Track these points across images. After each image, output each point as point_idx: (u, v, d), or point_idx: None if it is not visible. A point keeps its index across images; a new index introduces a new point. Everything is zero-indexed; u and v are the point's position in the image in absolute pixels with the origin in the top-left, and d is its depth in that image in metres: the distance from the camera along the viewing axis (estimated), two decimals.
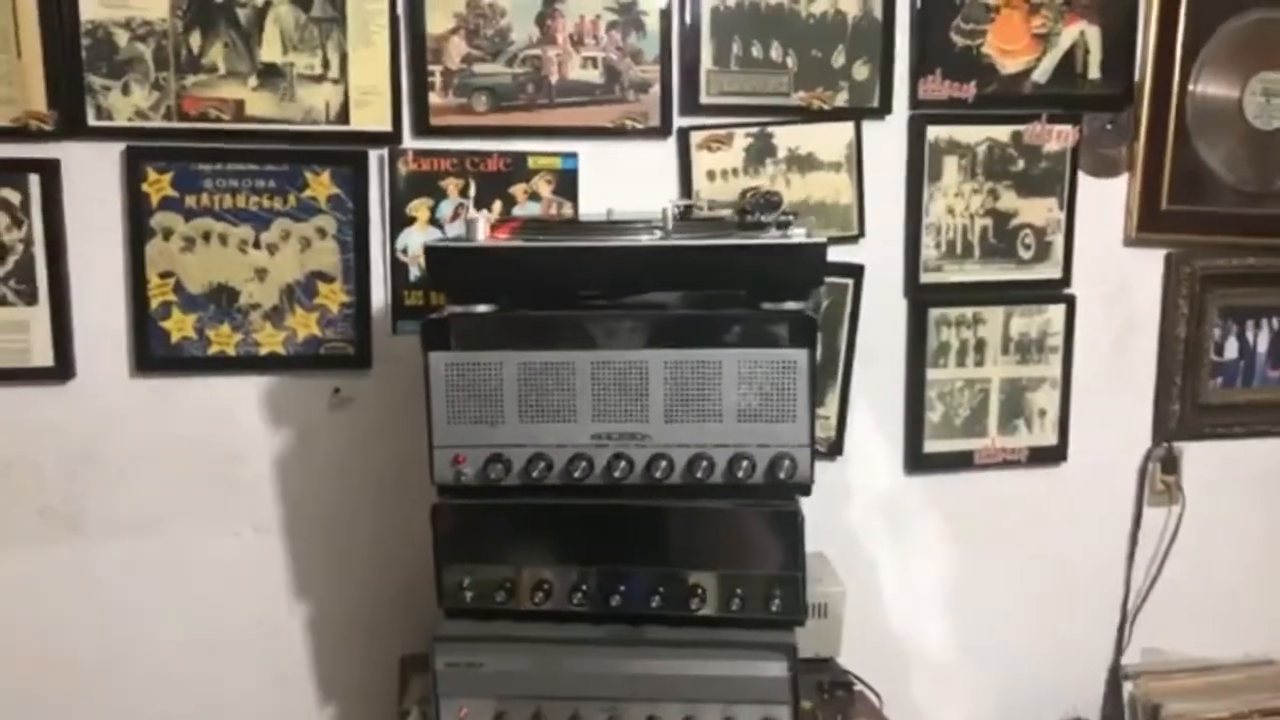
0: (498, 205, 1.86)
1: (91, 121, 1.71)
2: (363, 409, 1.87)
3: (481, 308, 1.42)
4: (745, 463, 1.40)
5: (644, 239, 1.38)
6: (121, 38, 1.70)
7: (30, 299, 1.73)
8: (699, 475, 1.41)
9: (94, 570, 1.83)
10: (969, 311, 2.04)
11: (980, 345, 2.06)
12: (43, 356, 1.75)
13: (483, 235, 1.44)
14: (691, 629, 1.48)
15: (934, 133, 1.97)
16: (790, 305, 1.37)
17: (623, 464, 1.42)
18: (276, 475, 1.87)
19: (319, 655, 1.92)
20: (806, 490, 1.44)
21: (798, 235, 1.39)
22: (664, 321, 1.41)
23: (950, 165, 1.99)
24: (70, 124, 1.70)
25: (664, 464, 1.41)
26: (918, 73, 1.95)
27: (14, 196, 1.70)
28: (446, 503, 1.48)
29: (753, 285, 1.37)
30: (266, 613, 1.89)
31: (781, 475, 1.40)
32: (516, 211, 1.87)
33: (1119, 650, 2.20)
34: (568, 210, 1.88)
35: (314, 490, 1.88)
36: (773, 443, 1.41)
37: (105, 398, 1.79)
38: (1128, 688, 2.18)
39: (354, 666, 1.92)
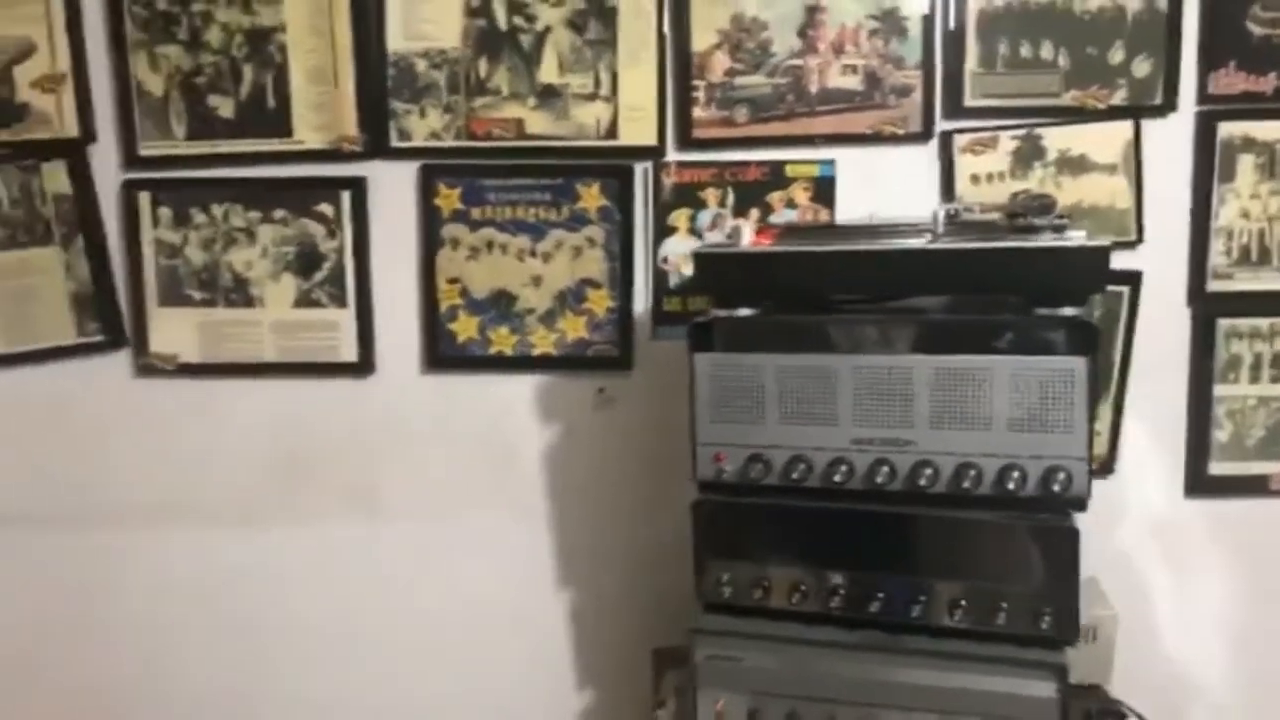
0: (755, 214, 1.90)
1: (394, 143, 1.90)
2: (624, 408, 1.97)
3: (745, 311, 1.45)
4: (1016, 474, 1.36)
5: (912, 242, 1.37)
6: (420, 66, 1.88)
7: (340, 302, 1.95)
8: (966, 485, 1.38)
9: (382, 548, 2.02)
10: (1264, 323, 1.88)
11: (1276, 360, 1.89)
12: (349, 353, 1.96)
13: (747, 241, 1.48)
14: (953, 640, 1.45)
15: (1226, 129, 1.83)
16: (1068, 311, 1.32)
17: (885, 469, 1.41)
18: (545, 468, 1.99)
19: (577, 642, 2.03)
20: (1082, 505, 1.37)
21: (1076, 238, 1.34)
22: (932, 326, 1.39)
23: (1245, 164, 1.84)
24: (376, 145, 1.90)
25: (929, 471, 1.39)
26: (1208, 66, 1.82)
27: (329, 211, 1.92)
28: (708, 499, 1.53)
29: (1029, 290, 1.33)
30: (530, 597, 2.02)
31: (1056, 489, 1.34)
32: (773, 219, 1.90)
33: None
34: (824, 216, 1.89)
35: (578, 483, 1.99)
36: (1046, 454, 1.36)
37: (399, 392, 1.98)
38: None
39: (609, 655, 2.02)
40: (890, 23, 1.84)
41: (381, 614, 2.03)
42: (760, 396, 1.46)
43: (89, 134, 1.92)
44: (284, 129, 1.90)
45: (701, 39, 1.86)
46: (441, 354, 1.96)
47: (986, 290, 1.37)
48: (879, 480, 1.41)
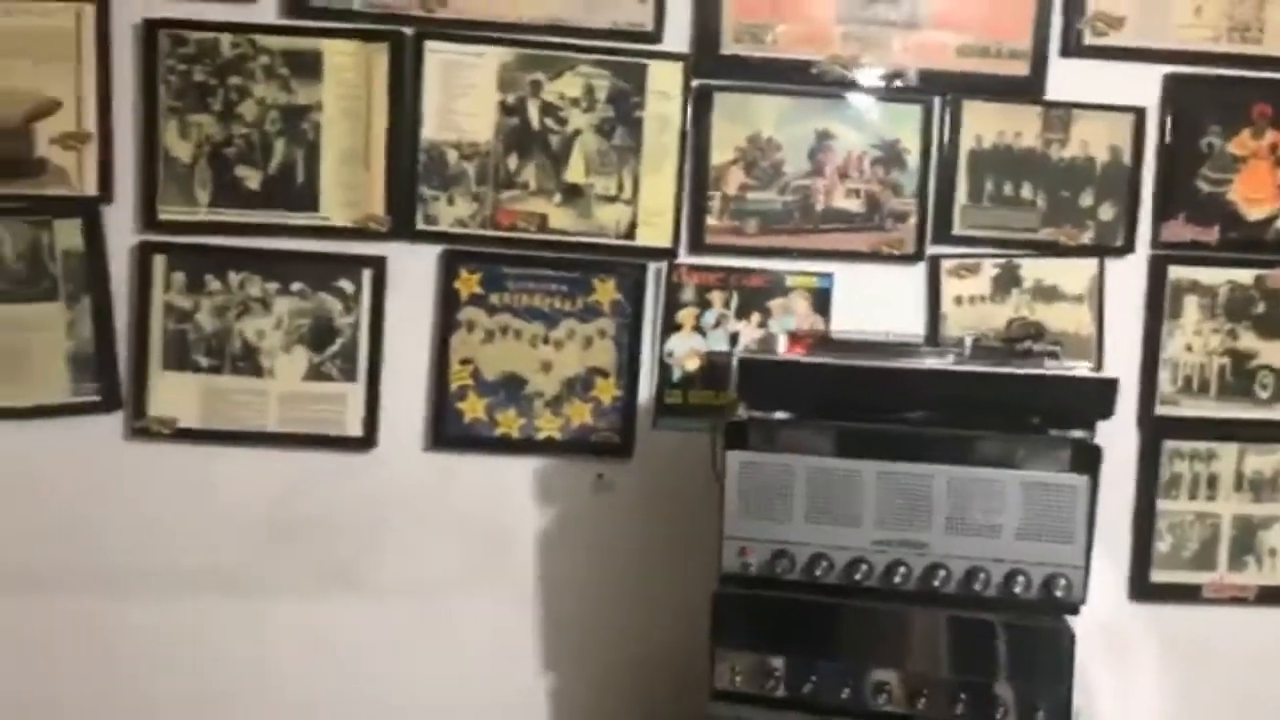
0: (755, 317, 2.03)
1: (419, 226, 1.96)
2: (622, 495, 2.03)
3: (780, 414, 1.56)
4: (1021, 578, 1.50)
5: (941, 363, 1.51)
6: (452, 156, 1.96)
7: (350, 376, 1.97)
8: (976, 587, 1.50)
9: (371, 623, 2.01)
10: (1204, 446, 2.09)
11: (1213, 480, 2.09)
12: (354, 427, 1.98)
13: (782, 349, 1.59)
14: None
15: (1176, 273, 2.06)
16: (1076, 433, 1.47)
17: (902, 570, 1.53)
18: (540, 550, 2.03)
19: None
20: (1077, 610, 1.51)
21: (1080, 367, 1.50)
22: (952, 439, 1.52)
23: (1191, 304, 2.07)
24: (400, 227, 1.95)
25: (942, 573, 1.52)
26: (1161, 215, 2.05)
27: (349, 287, 1.96)
28: (728, 591, 1.61)
29: (1045, 412, 1.48)
30: (519, 679, 2.04)
31: (1058, 594, 1.48)
32: (772, 325, 2.03)
33: None
34: (820, 326, 2.03)
35: (573, 568, 2.03)
36: (1048, 561, 1.50)
37: (400, 468, 2.00)
38: None
39: None
40: (891, 153, 2.01)
41: (365, 691, 2.01)
42: (789, 495, 1.56)
43: (107, 194, 1.91)
44: (311, 204, 1.94)
45: (720, 154, 1.99)
46: (447, 433, 1.99)
47: (1009, 410, 1.51)
48: (896, 580, 1.53)
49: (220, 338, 1.95)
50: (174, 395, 1.95)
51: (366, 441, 1.98)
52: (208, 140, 1.92)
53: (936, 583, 1.51)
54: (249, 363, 1.96)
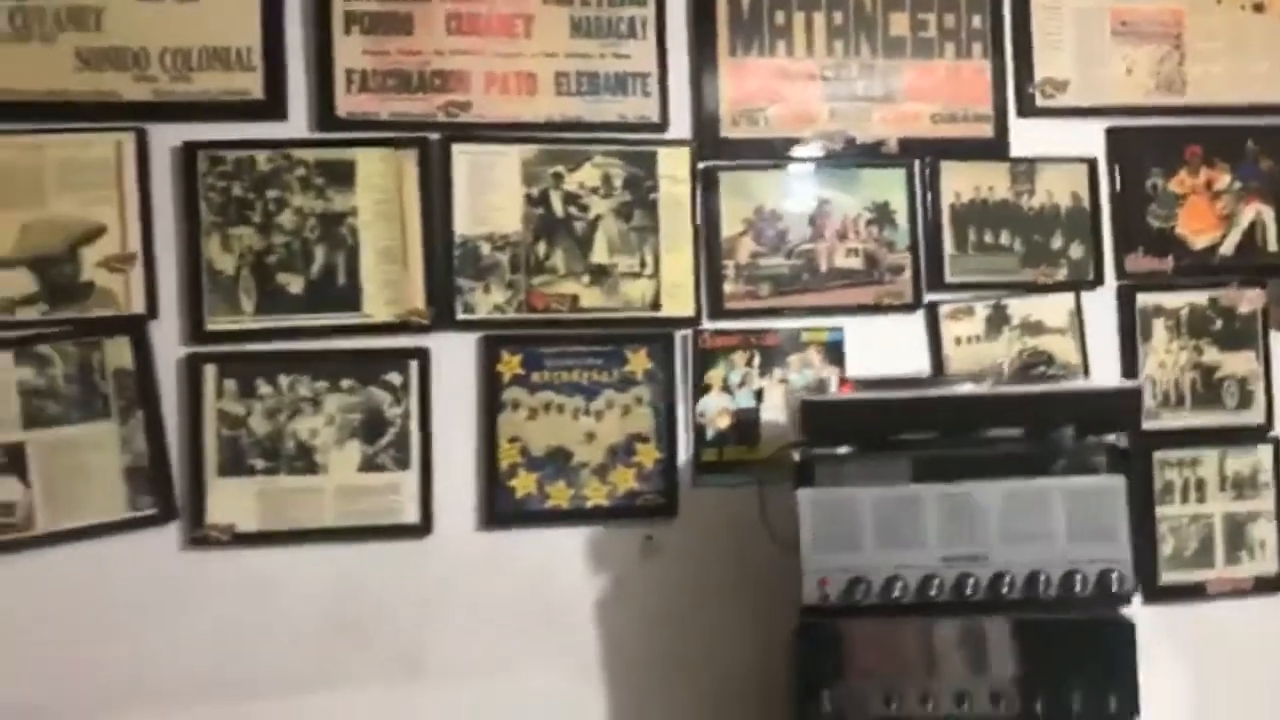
0: (777, 373, 2.17)
1: (459, 315, 2.06)
2: (670, 554, 2.12)
3: (842, 449, 1.69)
4: (1079, 577, 1.64)
5: (980, 388, 1.67)
6: (485, 248, 2.08)
7: (403, 465, 2.03)
8: (1040, 590, 1.64)
9: (435, 710, 2.03)
10: (1187, 454, 2.29)
11: (1200, 484, 2.30)
12: (410, 514, 2.03)
13: (834, 391, 1.74)
14: None
15: (1142, 300, 2.29)
16: (1110, 438, 1.64)
17: (971, 581, 1.65)
18: (595, 618, 2.10)
19: None
20: (1130, 600, 1.66)
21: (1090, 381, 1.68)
22: (1000, 457, 1.68)
23: (1158, 326, 2.30)
24: (441, 319, 2.05)
25: (1008, 580, 1.65)
26: (1122, 250, 2.29)
27: (396, 379, 2.04)
28: (813, 621, 1.71)
29: (1080, 423, 1.65)
30: None
31: (1113, 588, 1.63)
32: (793, 379, 2.17)
33: None
34: (835, 376, 2.18)
35: (628, 632, 2.10)
36: (1099, 558, 1.65)
37: (457, 550, 2.05)
38: None
39: None
40: (882, 214, 2.21)
41: None
42: (858, 525, 1.69)
43: (153, 310, 1.97)
44: (354, 304, 2.02)
45: (730, 226, 2.16)
46: (500, 511, 2.06)
47: (1048, 423, 1.67)
48: (966, 592, 1.65)
49: (274, 440, 2.00)
50: (230, 501, 1.98)
51: (423, 528, 2.04)
52: (250, 251, 2.00)
53: (1004, 589, 1.64)
54: (304, 461, 2.00)
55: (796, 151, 2.19)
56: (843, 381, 1.81)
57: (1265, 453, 2.31)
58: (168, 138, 1.99)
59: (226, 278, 2.00)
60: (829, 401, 1.72)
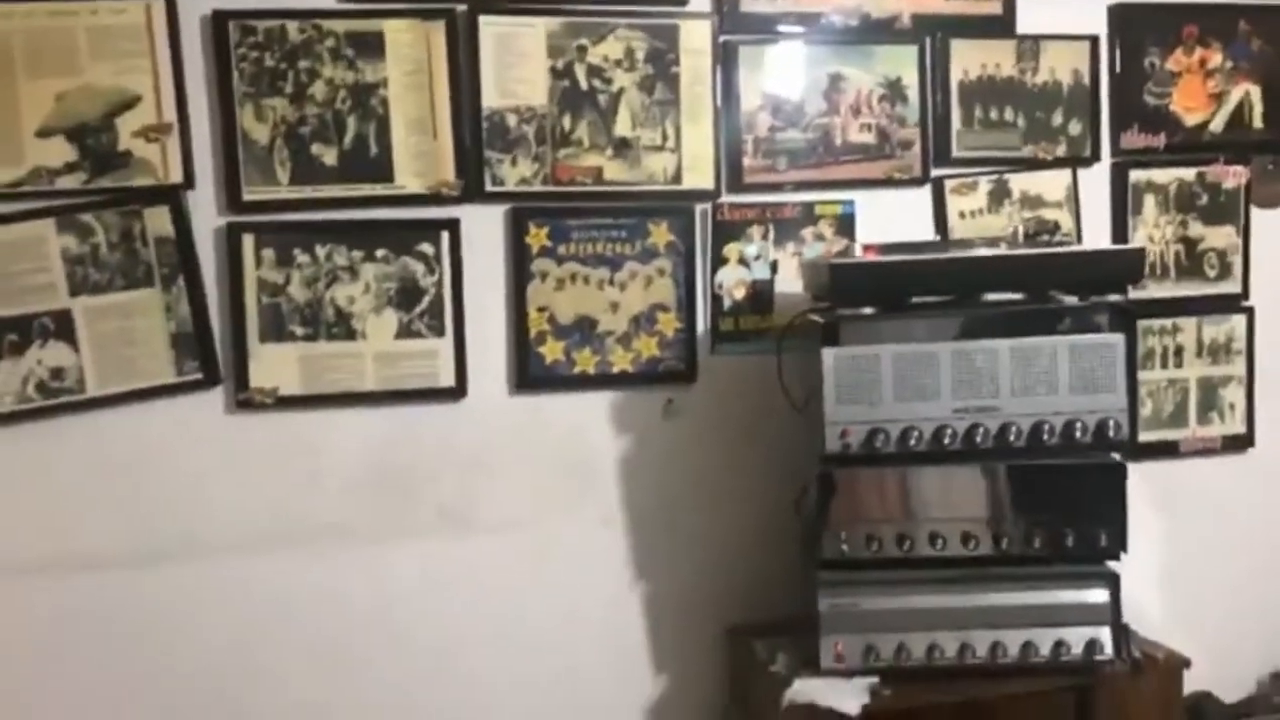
0: (790, 246, 2.27)
1: (488, 188, 2.12)
2: (689, 416, 2.25)
3: (866, 310, 1.81)
4: (1079, 425, 1.79)
5: (997, 251, 1.79)
6: (511, 120, 2.12)
7: (439, 332, 2.12)
8: (1044, 438, 1.79)
9: (475, 559, 2.17)
10: (1169, 322, 2.44)
11: (1179, 350, 2.46)
12: (447, 379, 2.13)
13: (859, 255, 1.84)
14: (1032, 566, 1.84)
15: (1135, 176, 2.41)
16: (1112, 297, 1.77)
17: (981, 431, 1.80)
18: (621, 474, 2.23)
19: (656, 628, 2.25)
20: (1125, 446, 1.82)
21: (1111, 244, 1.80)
22: (1009, 316, 1.80)
23: (1149, 201, 2.42)
24: (470, 190, 2.11)
25: (1014, 430, 1.79)
26: (1118, 128, 2.39)
27: (429, 249, 2.11)
28: (831, 470, 1.85)
29: (1086, 283, 1.77)
30: (613, 592, 2.23)
31: (1111, 435, 1.78)
32: (806, 251, 2.27)
33: None
34: (845, 247, 2.29)
35: (650, 486, 2.24)
36: (1099, 409, 1.79)
37: (490, 412, 2.16)
38: None
39: (686, 637, 2.26)
40: (894, 90, 2.28)
41: (475, 622, 2.17)
42: (878, 380, 1.81)
43: (190, 180, 2.01)
44: (386, 175, 2.07)
45: (748, 100, 2.22)
46: (531, 376, 2.17)
47: (1059, 284, 1.80)
48: (977, 441, 1.80)
49: (313, 307, 2.07)
50: (273, 366, 2.06)
51: (459, 391, 2.14)
52: (283, 121, 2.04)
53: (1012, 438, 1.79)
54: (342, 328, 2.08)
55: (813, 26, 2.24)
56: (866, 247, 1.90)
57: (1239, 321, 2.47)
58: (197, 6, 1.99)
59: (261, 148, 2.03)
60: (857, 264, 1.83)
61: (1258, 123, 2.45)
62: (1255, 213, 2.47)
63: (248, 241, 2.04)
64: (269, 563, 2.08)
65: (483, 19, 2.09)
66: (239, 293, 2.04)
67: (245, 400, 2.05)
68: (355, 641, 2.11)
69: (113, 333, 1.98)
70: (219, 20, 2.00)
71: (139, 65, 1.96)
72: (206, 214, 2.03)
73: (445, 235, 2.11)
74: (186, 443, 2.04)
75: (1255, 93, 2.45)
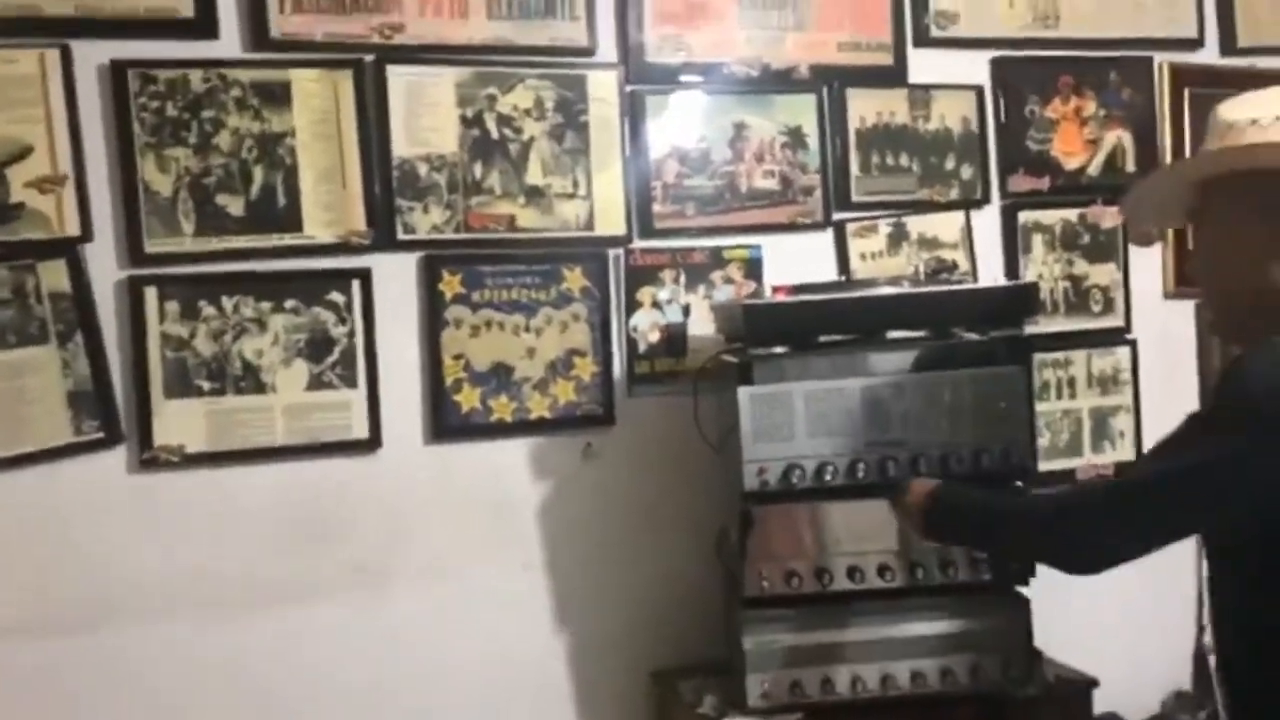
0: (701, 289, 2.32)
1: (400, 236, 2.11)
2: (609, 460, 2.25)
3: (779, 349, 1.85)
4: (986, 455, 1.86)
5: (901, 290, 1.86)
6: (422, 169, 2.13)
7: (351, 383, 2.09)
8: (952, 467, 1.85)
9: (393, 612, 2.13)
10: (1061, 355, 2.57)
11: (1071, 381, 2.58)
12: (360, 430, 2.09)
13: (770, 295, 1.89)
14: (945, 596, 1.90)
15: (1023, 217, 2.54)
16: (1009, 332, 1.85)
17: (892, 463, 1.85)
18: (542, 520, 2.22)
19: (581, 672, 2.23)
20: (1030, 473, 1.89)
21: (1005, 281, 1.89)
22: (915, 352, 1.87)
23: (1037, 241, 2.55)
24: (381, 239, 2.10)
25: (924, 461, 1.85)
26: (1006, 171, 2.52)
27: (340, 298, 2.08)
28: (751, 507, 1.88)
29: (983, 318, 1.86)
30: (537, 638, 2.21)
31: (1015, 462, 1.85)
32: (716, 295, 2.32)
33: (1200, 628, 2.67)
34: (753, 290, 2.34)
35: (572, 531, 2.23)
36: (1003, 438, 1.87)
37: (406, 463, 2.13)
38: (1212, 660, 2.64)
39: (612, 680, 2.24)
40: (795, 138, 2.37)
41: (398, 675, 2.12)
42: (791, 418, 1.86)
43: (87, 233, 1.94)
44: (294, 225, 2.05)
45: (656, 148, 2.27)
46: (447, 424, 2.15)
47: (960, 321, 1.87)
48: (890, 473, 1.85)
49: (220, 361, 2.02)
50: (179, 422, 2.00)
51: (373, 442, 2.11)
52: (187, 172, 2.00)
53: (922, 469, 1.85)
54: (251, 381, 2.04)
55: (716, 76, 2.31)
56: (776, 288, 1.96)
57: (1124, 353, 2.61)
58: (93, 55, 1.95)
59: (164, 199, 1.99)
60: (769, 305, 1.88)
61: (1130, 166, 2.61)
62: (1133, 250, 2.63)
63: (150, 295, 1.98)
64: (183, 627, 2.00)
65: (391, 68, 2.10)
66: (142, 348, 1.98)
67: (150, 459, 1.98)
68: (274, 702, 2.04)
69: (6, 392, 1.90)
70: (117, 69, 1.96)
71: (31, 115, 1.91)
72: (106, 267, 1.97)
73: (356, 284, 2.09)
74: (90, 505, 1.96)
75: (1127, 138, 2.61)
